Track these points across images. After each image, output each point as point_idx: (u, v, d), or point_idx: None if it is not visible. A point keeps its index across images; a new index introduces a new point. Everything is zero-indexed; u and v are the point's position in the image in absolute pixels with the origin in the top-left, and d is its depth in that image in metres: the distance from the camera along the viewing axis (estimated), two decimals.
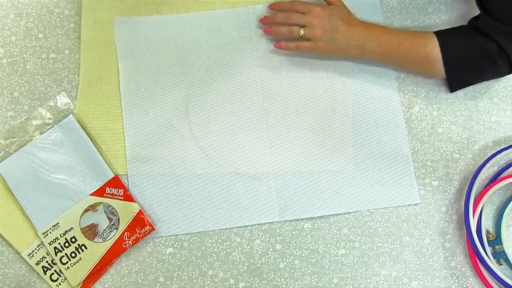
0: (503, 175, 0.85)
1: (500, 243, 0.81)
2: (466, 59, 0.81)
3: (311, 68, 0.91)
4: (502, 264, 0.81)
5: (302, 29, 0.85)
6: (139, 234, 0.82)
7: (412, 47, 0.82)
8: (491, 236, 0.83)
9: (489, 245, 0.82)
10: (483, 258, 0.78)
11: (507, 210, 0.83)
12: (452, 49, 0.81)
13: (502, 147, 0.85)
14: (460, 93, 0.90)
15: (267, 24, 0.90)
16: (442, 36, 0.82)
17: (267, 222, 0.85)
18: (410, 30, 0.86)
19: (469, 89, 0.90)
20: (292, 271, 0.83)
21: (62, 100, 0.89)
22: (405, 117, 0.89)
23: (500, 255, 0.81)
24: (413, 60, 0.84)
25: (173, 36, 0.92)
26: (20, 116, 0.89)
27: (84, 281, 0.81)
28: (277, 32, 0.89)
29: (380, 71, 0.91)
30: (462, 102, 0.89)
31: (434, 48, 0.81)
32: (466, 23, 0.93)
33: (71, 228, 0.82)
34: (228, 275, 0.83)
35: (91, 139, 0.86)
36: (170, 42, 0.92)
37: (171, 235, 0.84)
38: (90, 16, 0.93)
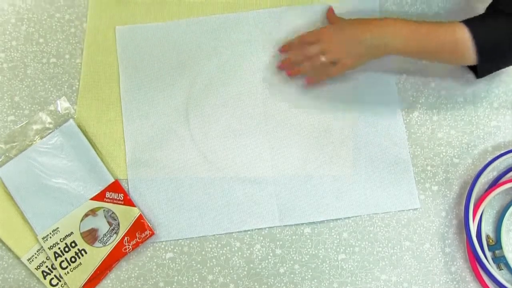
0: (502, 180, 0.85)
1: (500, 247, 0.81)
2: (498, 43, 0.76)
3: None
4: (502, 269, 0.81)
5: (323, 57, 0.82)
6: (139, 239, 0.82)
7: (438, 37, 0.78)
8: (491, 241, 0.83)
9: (489, 250, 0.82)
10: (483, 263, 0.78)
11: (507, 215, 0.83)
12: (483, 34, 0.76)
13: (502, 151, 0.86)
14: (459, 98, 0.90)
15: (286, 68, 0.89)
16: (470, 22, 0.77)
17: (267, 227, 0.85)
18: (432, 21, 0.80)
19: (469, 94, 0.90)
20: (292, 276, 0.83)
21: (63, 104, 0.89)
22: (405, 122, 0.89)
23: (500, 260, 0.81)
24: (441, 51, 0.79)
25: (173, 41, 0.93)
26: (21, 121, 0.89)
27: (84, 286, 0.81)
28: (300, 70, 0.87)
29: (380, 76, 0.91)
30: (461, 107, 0.90)
31: (464, 35, 0.76)
32: None
33: (71, 233, 0.82)
34: (228, 280, 0.83)
35: (91, 144, 0.86)
36: (170, 47, 0.92)
37: (171, 240, 0.84)
38: (95, 25, 0.94)
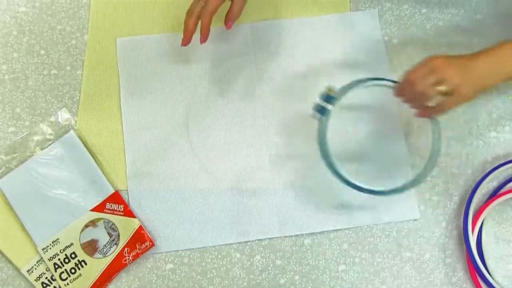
0: (502, 190, 0.85)
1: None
2: None
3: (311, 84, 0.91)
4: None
5: (441, 87, 0.71)
6: (139, 250, 0.82)
7: (498, 65, 0.73)
8: (331, 91, 0.76)
9: (325, 100, 0.76)
10: (483, 275, 0.78)
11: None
12: None
13: (502, 162, 0.86)
14: (459, 108, 0.90)
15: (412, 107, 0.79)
16: None
17: (267, 238, 0.85)
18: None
19: (468, 104, 0.90)
20: (292, 287, 0.83)
21: (63, 116, 0.90)
22: (405, 132, 0.89)
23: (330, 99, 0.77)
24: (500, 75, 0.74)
25: (174, 53, 0.93)
26: (21, 132, 0.89)
27: None
28: (417, 108, 0.78)
29: (379, 87, 0.91)
30: (461, 117, 0.90)
31: None
32: (464, 39, 0.94)
33: (71, 244, 0.82)
34: None
35: (92, 155, 0.87)
36: (170, 59, 0.93)
37: (171, 251, 0.84)
38: (95, 36, 0.94)
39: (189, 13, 0.83)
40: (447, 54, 0.75)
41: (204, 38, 0.83)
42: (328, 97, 0.78)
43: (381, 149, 0.89)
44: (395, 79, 0.81)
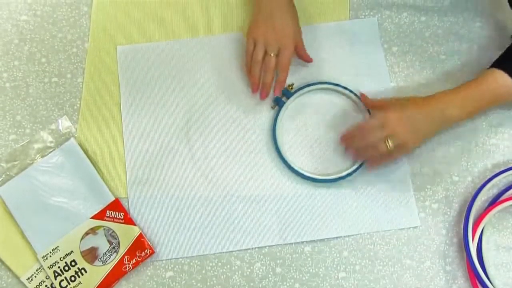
0: (502, 197, 0.85)
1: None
2: None
3: (311, 92, 0.92)
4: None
5: (389, 142, 0.78)
6: (139, 258, 0.82)
7: (484, 94, 0.79)
8: (290, 87, 0.90)
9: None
10: (484, 282, 0.78)
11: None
12: None
13: (501, 169, 0.86)
14: None
15: (351, 154, 0.87)
16: (506, 66, 0.79)
17: (267, 245, 0.85)
18: (471, 81, 0.81)
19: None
20: None
21: (64, 123, 0.90)
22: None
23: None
24: (493, 102, 0.81)
25: (174, 60, 0.94)
26: (22, 140, 0.89)
27: None
28: (365, 157, 0.85)
29: (378, 96, 0.92)
30: (460, 125, 0.90)
31: (506, 81, 0.78)
32: (462, 47, 0.94)
33: (71, 252, 0.82)
34: None
35: (92, 163, 0.87)
36: (170, 67, 0.93)
37: (171, 259, 0.84)
38: (96, 45, 0.95)
39: (255, 61, 0.87)
40: (401, 104, 0.81)
41: (276, 92, 0.89)
42: (287, 92, 0.90)
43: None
44: (357, 93, 0.90)
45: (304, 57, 0.91)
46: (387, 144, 0.79)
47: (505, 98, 0.81)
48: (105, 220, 0.84)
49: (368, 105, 0.88)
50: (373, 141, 0.80)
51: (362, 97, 0.89)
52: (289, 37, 0.86)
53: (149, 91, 0.92)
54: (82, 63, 0.94)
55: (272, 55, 0.85)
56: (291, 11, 0.88)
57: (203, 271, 0.84)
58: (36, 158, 0.87)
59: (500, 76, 0.79)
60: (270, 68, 0.86)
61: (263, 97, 0.88)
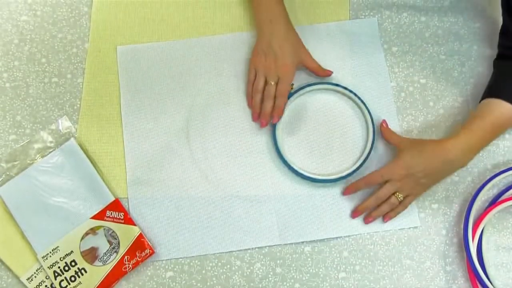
0: (502, 197, 0.85)
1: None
2: None
3: (311, 92, 0.92)
4: None
5: (400, 195, 0.82)
6: (139, 258, 0.82)
7: (495, 130, 0.80)
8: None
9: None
10: (484, 282, 0.78)
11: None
12: None
13: (501, 169, 0.86)
14: (458, 117, 0.90)
15: (360, 215, 0.86)
16: (502, 92, 0.80)
17: (267, 246, 0.85)
18: (474, 115, 0.81)
19: (467, 113, 0.90)
20: None
21: (64, 123, 0.90)
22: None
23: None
24: (499, 133, 0.81)
25: (174, 61, 0.94)
26: (22, 140, 0.89)
27: None
28: (378, 215, 0.85)
29: (378, 96, 0.92)
30: (460, 125, 0.90)
31: (509, 110, 0.78)
32: (462, 47, 0.94)
33: (71, 252, 0.82)
34: None
35: (92, 163, 0.87)
36: (170, 67, 0.93)
37: (171, 259, 0.84)
38: (96, 45, 0.95)
39: (256, 91, 0.88)
40: (404, 151, 0.82)
41: (274, 119, 0.87)
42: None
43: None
44: (356, 92, 0.90)
45: (320, 73, 0.90)
46: (398, 199, 0.82)
47: (507, 128, 0.82)
48: (105, 220, 0.84)
49: (385, 135, 0.87)
50: (384, 198, 0.83)
51: (382, 125, 0.88)
52: (287, 65, 0.87)
53: (149, 91, 0.92)
54: (82, 63, 0.94)
55: (272, 83, 0.86)
56: (291, 37, 0.88)
57: (203, 271, 0.84)
58: (36, 158, 0.87)
59: (504, 108, 0.78)
60: (270, 97, 0.87)
61: (263, 125, 0.88)
